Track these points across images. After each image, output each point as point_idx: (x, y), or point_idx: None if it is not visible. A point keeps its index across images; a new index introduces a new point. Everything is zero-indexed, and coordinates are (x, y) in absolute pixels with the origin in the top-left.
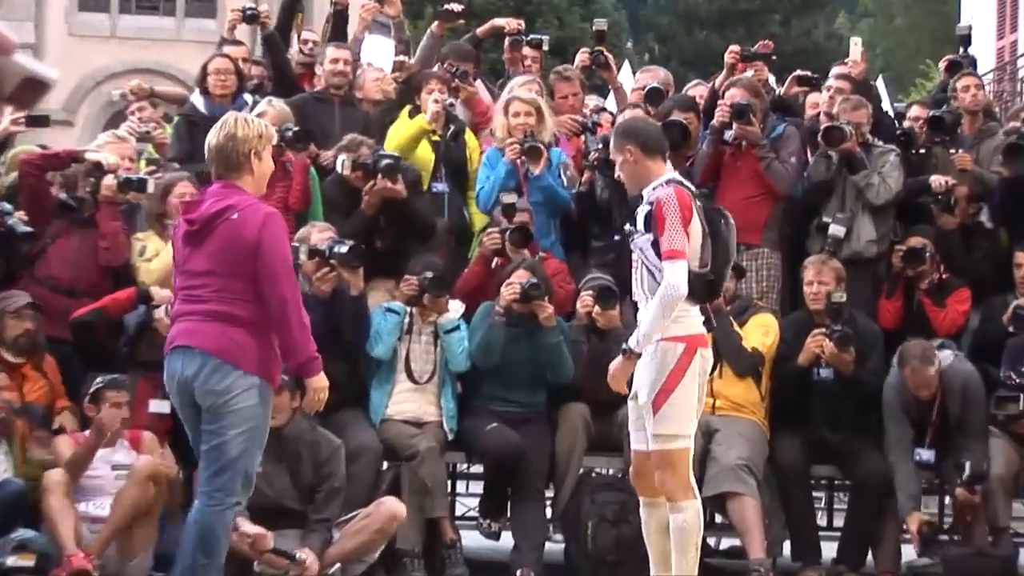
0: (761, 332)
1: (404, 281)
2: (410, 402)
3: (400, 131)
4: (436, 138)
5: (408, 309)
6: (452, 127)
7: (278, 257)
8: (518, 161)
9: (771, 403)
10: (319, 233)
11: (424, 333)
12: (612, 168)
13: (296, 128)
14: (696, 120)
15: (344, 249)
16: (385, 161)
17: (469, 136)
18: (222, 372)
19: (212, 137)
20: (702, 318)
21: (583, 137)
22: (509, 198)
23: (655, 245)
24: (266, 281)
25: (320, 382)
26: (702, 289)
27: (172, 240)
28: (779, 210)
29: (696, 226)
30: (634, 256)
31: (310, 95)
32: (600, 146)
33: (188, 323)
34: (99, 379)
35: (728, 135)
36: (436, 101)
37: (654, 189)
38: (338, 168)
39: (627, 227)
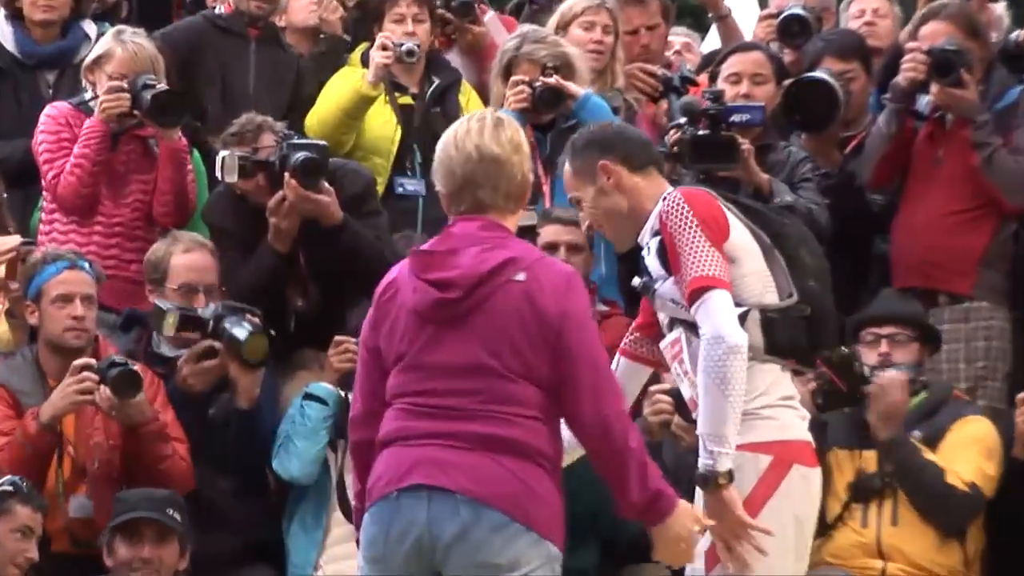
0: (977, 452)
1: (335, 347)
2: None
3: (333, 95)
4: (406, 100)
5: (343, 395)
6: (435, 82)
7: (593, 350)
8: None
9: (987, 567)
10: (184, 256)
11: None
12: (708, 153)
13: (163, 87)
14: (864, 74)
15: (243, 333)
16: (300, 155)
17: (468, 95)
18: (505, 535)
19: (490, 143)
20: (803, 414)
21: (665, 102)
22: (523, 217)
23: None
24: (585, 391)
25: (671, 530)
26: (798, 334)
27: (378, 312)
28: (1008, 236)
29: (743, 235)
30: (661, 319)
31: (207, 22)
32: (683, 120)
33: (434, 450)
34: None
35: (923, 103)
36: (384, 48)
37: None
38: (219, 172)
39: (636, 280)
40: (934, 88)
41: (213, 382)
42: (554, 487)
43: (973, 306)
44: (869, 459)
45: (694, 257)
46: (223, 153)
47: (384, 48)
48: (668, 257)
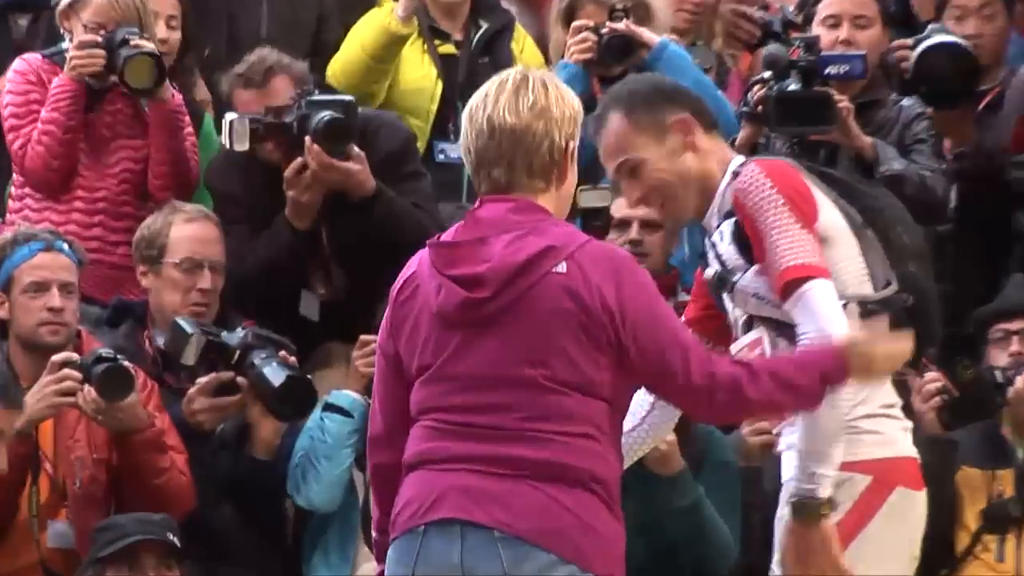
0: None
1: (360, 348)
2: None
3: (358, 36)
4: (448, 49)
5: (369, 403)
6: (483, 26)
7: (670, 334)
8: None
9: None
10: (186, 227)
11: None
12: (798, 113)
13: (142, 46)
14: (1002, 11)
15: (277, 377)
16: (324, 116)
17: (522, 42)
18: None
19: (504, 112)
20: (906, 424)
21: (763, 51)
22: (595, 197)
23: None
24: (680, 379)
25: (859, 368)
26: (902, 329)
27: (396, 314)
28: None
29: (833, 213)
30: (733, 317)
31: None
32: (768, 74)
33: (467, 476)
34: None
35: None
36: None
37: (725, 189)
38: (226, 136)
39: (709, 272)
40: None
41: (221, 422)
42: (612, 518)
43: None
44: (1007, 480)
45: (784, 242)
46: (231, 117)
47: None
48: (750, 243)
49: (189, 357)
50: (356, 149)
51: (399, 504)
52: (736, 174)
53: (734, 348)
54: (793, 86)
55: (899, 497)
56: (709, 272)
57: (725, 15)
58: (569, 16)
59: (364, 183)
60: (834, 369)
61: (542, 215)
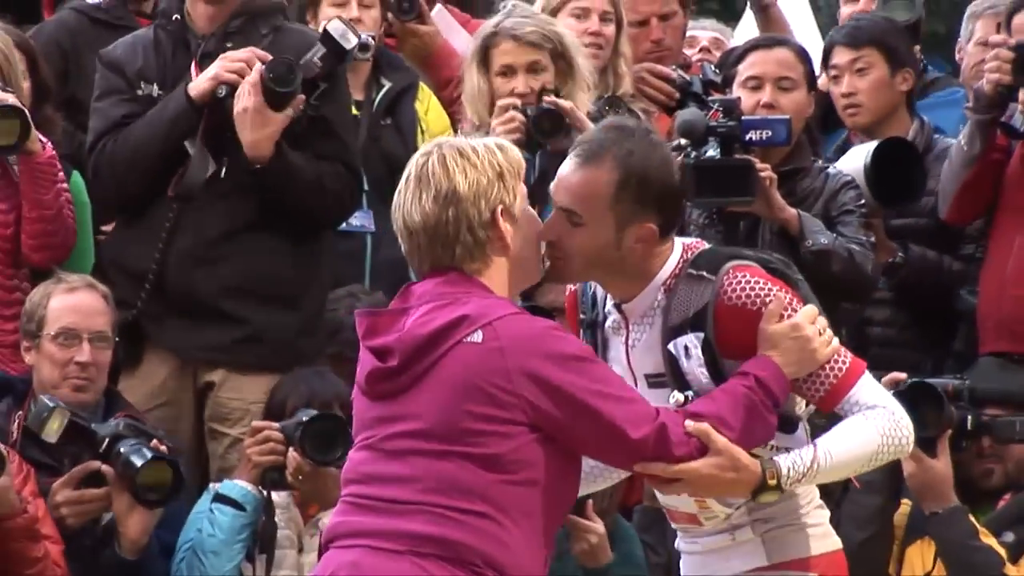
0: None
1: (254, 435)
2: None
3: None
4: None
5: (264, 495)
6: (385, 86)
7: (593, 409)
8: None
9: None
10: (66, 297)
11: (311, 546)
12: (716, 183)
13: (4, 99)
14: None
15: (143, 458)
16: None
17: (427, 102)
18: None
19: (407, 204)
20: (827, 512)
21: (677, 115)
22: None
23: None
24: (602, 456)
25: (789, 364)
26: None
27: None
28: None
29: None
30: None
31: (80, 16)
32: (684, 141)
33: (359, 553)
34: None
35: (1018, 115)
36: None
37: (668, 286)
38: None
39: (678, 397)
40: (1023, 95)
41: (92, 517)
42: None
43: None
44: None
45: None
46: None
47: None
48: (720, 360)
49: (51, 432)
50: (289, 109)
51: None
52: (698, 277)
53: None
54: (711, 153)
55: None
56: (677, 397)
57: (640, 73)
58: (484, 54)
59: (262, 145)
60: (764, 372)
61: (470, 287)
